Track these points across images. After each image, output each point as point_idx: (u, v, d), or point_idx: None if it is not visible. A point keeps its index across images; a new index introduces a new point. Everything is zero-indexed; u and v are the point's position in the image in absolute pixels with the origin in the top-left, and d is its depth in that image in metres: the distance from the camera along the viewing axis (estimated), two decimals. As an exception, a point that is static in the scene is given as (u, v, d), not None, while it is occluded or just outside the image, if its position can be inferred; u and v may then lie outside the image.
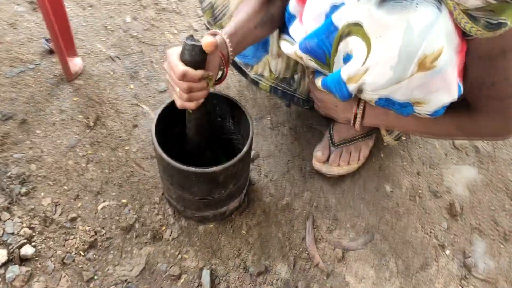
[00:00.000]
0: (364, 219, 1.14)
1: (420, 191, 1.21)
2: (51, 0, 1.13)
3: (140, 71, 1.36)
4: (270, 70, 1.20)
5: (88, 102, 1.27)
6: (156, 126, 0.94)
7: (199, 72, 0.78)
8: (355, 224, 1.13)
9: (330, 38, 0.80)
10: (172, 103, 0.98)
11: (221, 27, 1.17)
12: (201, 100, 0.83)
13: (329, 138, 1.20)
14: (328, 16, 0.81)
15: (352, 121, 1.06)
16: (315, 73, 1.03)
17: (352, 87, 0.80)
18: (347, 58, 0.80)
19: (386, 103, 0.82)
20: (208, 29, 1.19)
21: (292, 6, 0.96)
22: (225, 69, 0.86)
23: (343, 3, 0.77)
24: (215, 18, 1.17)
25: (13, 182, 1.10)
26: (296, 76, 1.22)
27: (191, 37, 0.77)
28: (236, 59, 1.20)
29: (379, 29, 0.70)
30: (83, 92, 1.28)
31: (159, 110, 0.96)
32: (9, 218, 1.04)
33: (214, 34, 0.88)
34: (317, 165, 1.18)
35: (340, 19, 0.76)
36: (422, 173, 1.25)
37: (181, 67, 0.77)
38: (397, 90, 0.75)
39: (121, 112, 1.27)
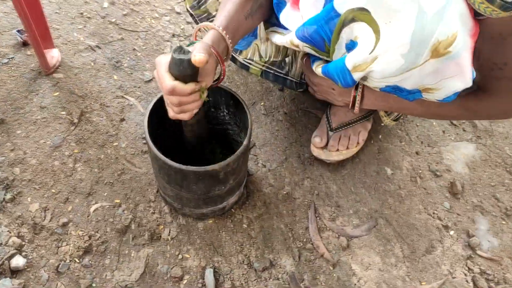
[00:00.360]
0: (366, 204, 1.11)
1: (420, 172, 1.18)
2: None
3: (123, 60, 1.27)
4: (260, 55, 1.13)
5: (70, 97, 1.18)
6: (149, 122, 0.87)
7: (188, 87, 0.72)
8: (357, 210, 1.09)
9: (331, 24, 0.74)
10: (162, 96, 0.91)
11: (206, 11, 1.09)
12: (195, 111, 0.77)
13: (327, 123, 1.15)
14: (328, 1, 0.74)
15: (350, 105, 1.01)
16: (311, 57, 0.97)
17: (357, 75, 0.74)
18: (350, 45, 0.73)
19: (393, 90, 0.76)
20: (191, 15, 1.11)
21: None
22: (222, 68, 0.80)
23: None
24: (198, 2, 1.08)
25: (-4, 188, 1.02)
26: (287, 59, 1.15)
27: (179, 48, 0.70)
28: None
29: (388, 14, 0.64)
30: (63, 86, 1.19)
31: (150, 106, 0.89)
32: (-5, 228, 0.97)
33: (206, 28, 0.81)
34: (315, 151, 1.13)
35: (343, 4, 0.69)
36: (421, 153, 1.22)
37: (169, 82, 0.71)
38: (407, 78, 0.70)
39: (106, 105, 1.18)
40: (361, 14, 0.68)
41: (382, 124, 1.20)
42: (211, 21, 1.11)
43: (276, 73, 1.17)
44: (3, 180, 1.03)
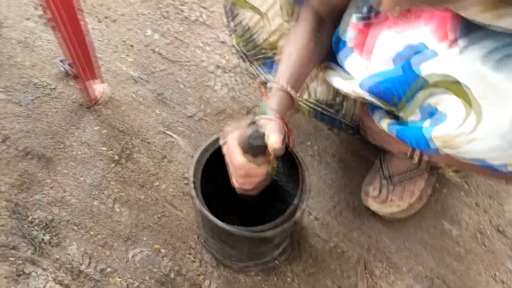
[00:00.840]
0: (422, 262, 1.06)
1: (481, 227, 1.12)
2: (67, 16, 1.03)
3: (166, 92, 1.27)
4: (309, 93, 1.10)
5: (112, 132, 1.18)
6: (194, 175, 0.85)
7: (262, 170, 0.72)
8: (412, 269, 1.05)
9: (409, 84, 0.70)
10: (211, 145, 0.89)
11: (256, 48, 1.07)
12: (263, 186, 0.77)
13: (380, 170, 1.11)
14: (406, 59, 0.70)
15: (410, 156, 0.96)
16: (372, 106, 0.93)
17: (443, 150, 0.69)
18: (433, 113, 0.69)
19: (477, 162, 0.71)
20: (238, 51, 1.09)
21: (347, 34, 0.85)
22: (291, 140, 0.78)
23: (431, 50, 0.66)
24: (246, 40, 1.06)
25: (36, 228, 1.04)
26: (338, 99, 1.12)
27: (253, 124, 0.69)
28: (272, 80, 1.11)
29: (495, 96, 0.58)
30: (105, 120, 1.20)
31: (196, 156, 0.87)
32: (33, 271, 0.98)
33: (270, 86, 0.79)
34: (368, 201, 1.09)
35: (430, 71, 0.65)
36: (482, 205, 1.16)
37: (243, 165, 0.71)
38: (503, 156, 0.64)
39: (147, 141, 1.18)
40: (455, 88, 0.63)
41: (439, 172, 1.14)
42: (262, 60, 1.10)
43: (325, 112, 1.14)
44: (42, 220, 1.04)
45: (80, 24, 1.11)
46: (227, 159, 0.76)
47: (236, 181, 0.77)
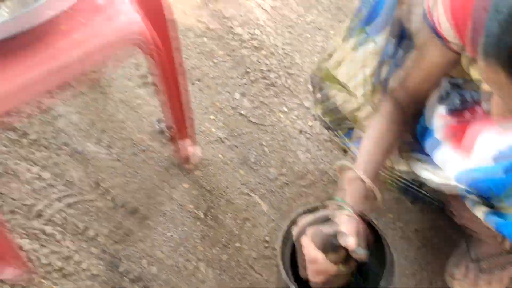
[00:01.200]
0: None
1: None
2: (169, 80, 1.14)
3: (249, 154, 1.34)
4: (391, 166, 1.11)
5: (199, 190, 1.26)
6: (282, 250, 0.89)
7: (335, 268, 0.75)
8: None
9: (509, 186, 0.71)
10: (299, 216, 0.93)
11: (340, 119, 1.11)
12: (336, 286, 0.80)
13: (467, 252, 1.08)
14: (509, 159, 0.71)
15: (502, 241, 0.94)
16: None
17: None
18: None
19: None
20: (320, 120, 1.13)
21: (434, 125, 0.87)
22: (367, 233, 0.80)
23: None
24: (331, 111, 1.11)
25: (126, 279, 1.12)
26: None
27: (328, 220, 0.74)
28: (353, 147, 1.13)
29: None
30: (193, 178, 1.29)
31: (284, 226, 0.91)
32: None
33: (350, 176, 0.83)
34: (453, 284, 1.08)
35: None
36: None
37: (318, 261, 0.74)
38: None
39: (231, 202, 1.25)
40: None
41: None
42: (346, 130, 1.14)
43: (408, 185, 1.14)
44: (132, 273, 1.12)
45: (180, 87, 1.22)
46: (303, 250, 0.78)
47: (309, 274, 0.79)
